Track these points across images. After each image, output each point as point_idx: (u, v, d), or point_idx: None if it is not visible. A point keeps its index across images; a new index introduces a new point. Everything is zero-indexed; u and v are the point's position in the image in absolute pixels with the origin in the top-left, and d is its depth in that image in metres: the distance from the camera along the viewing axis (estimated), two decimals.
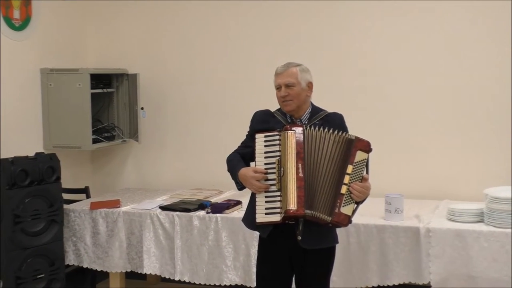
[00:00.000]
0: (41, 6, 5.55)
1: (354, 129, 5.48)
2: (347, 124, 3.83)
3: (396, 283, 4.46)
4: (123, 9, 6.13)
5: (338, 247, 4.51)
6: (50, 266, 4.96)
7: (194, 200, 5.24)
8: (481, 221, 4.37)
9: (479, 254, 4.21)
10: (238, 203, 4.98)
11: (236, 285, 4.85)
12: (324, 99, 5.43)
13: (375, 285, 4.51)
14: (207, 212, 4.91)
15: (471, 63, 5.17)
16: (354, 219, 4.52)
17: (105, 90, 5.83)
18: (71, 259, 5.23)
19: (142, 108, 5.91)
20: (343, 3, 5.46)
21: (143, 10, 6.06)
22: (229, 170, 3.83)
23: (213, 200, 5.21)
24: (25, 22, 5.41)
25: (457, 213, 4.43)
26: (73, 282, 5.46)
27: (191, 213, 4.92)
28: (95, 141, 5.65)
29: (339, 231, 4.50)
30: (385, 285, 4.49)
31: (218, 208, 4.90)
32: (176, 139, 6.05)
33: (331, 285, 4.54)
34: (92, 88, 5.54)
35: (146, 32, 6.08)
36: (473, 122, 5.19)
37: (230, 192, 5.39)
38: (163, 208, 5.06)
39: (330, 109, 3.89)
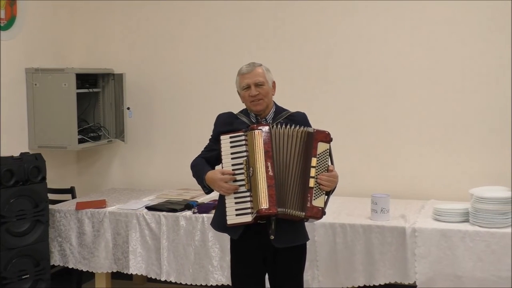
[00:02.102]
0: (27, 5, 5.52)
1: (341, 129, 5.52)
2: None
3: (382, 283, 4.47)
4: (109, 9, 6.11)
5: (324, 248, 4.55)
6: (36, 267, 4.94)
7: (180, 200, 5.24)
8: (467, 221, 4.39)
9: (464, 253, 4.24)
10: None
11: (222, 285, 4.85)
12: (312, 99, 5.48)
13: (361, 284, 4.52)
14: (194, 212, 4.90)
15: (460, 65, 5.18)
16: (340, 219, 4.58)
17: (91, 90, 5.81)
18: (56, 260, 5.21)
19: (128, 108, 5.90)
20: (331, 3, 5.49)
21: (129, 10, 6.04)
22: (194, 175, 3.81)
23: (200, 200, 5.21)
24: (10, 21, 5.38)
25: (442, 213, 4.45)
26: (59, 282, 5.44)
27: (178, 213, 4.91)
28: (81, 141, 5.62)
29: (326, 230, 4.54)
30: (371, 284, 4.50)
31: (205, 208, 4.90)
32: (163, 139, 6.04)
33: (318, 285, 4.58)
34: (78, 88, 5.52)
35: (132, 32, 6.07)
36: (459, 123, 5.21)
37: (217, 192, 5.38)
38: (150, 208, 5.05)
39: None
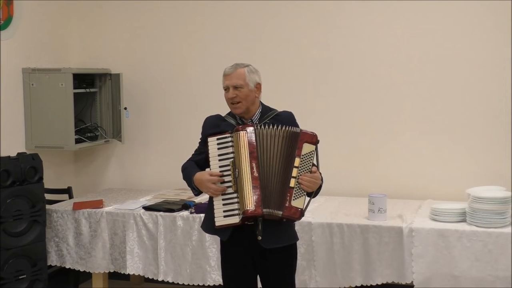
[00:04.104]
0: (23, 5, 5.51)
1: (337, 129, 5.51)
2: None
3: (380, 283, 4.48)
4: (106, 9, 6.10)
5: (322, 248, 4.55)
6: (33, 267, 4.93)
7: (177, 200, 5.23)
8: (464, 220, 4.40)
9: (461, 253, 4.24)
10: None
11: (219, 285, 4.85)
12: (308, 99, 5.48)
13: (359, 284, 4.53)
14: (191, 212, 4.90)
15: (459, 64, 5.18)
16: (338, 219, 4.58)
17: (88, 90, 5.80)
18: (53, 260, 5.20)
19: (125, 108, 5.90)
20: (323, 2, 5.49)
21: (126, 10, 6.04)
22: (184, 178, 3.81)
23: (197, 200, 5.20)
24: (7, 21, 5.37)
25: (439, 213, 4.46)
26: (56, 282, 5.44)
27: (175, 213, 4.91)
28: (78, 141, 5.62)
29: (323, 230, 4.54)
30: (369, 284, 4.51)
31: (202, 208, 4.88)
32: (160, 139, 6.03)
33: (315, 285, 4.58)
34: (74, 88, 5.52)
35: (129, 32, 6.06)
36: (456, 123, 5.22)
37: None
38: (147, 208, 5.05)
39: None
